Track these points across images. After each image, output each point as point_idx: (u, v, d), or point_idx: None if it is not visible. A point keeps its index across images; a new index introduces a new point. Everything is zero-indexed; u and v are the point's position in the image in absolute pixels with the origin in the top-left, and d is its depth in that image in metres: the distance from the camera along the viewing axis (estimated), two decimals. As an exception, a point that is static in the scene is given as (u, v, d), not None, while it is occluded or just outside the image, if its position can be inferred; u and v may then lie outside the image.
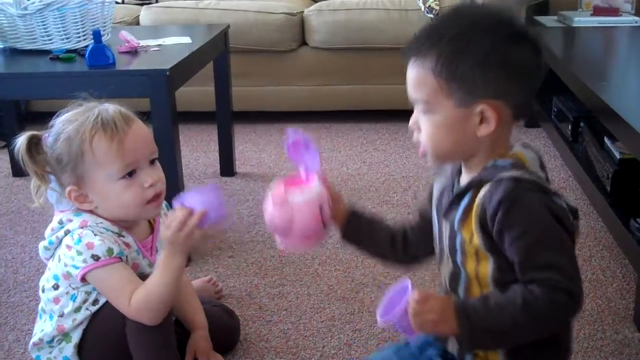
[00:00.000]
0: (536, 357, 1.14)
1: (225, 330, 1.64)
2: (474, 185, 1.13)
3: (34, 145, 1.43)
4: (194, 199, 1.35)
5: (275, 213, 1.25)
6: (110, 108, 1.41)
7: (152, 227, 1.53)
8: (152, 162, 1.43)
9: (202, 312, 1.59)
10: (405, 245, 1.31)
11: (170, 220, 1.36)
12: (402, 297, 1.10)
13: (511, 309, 1.05)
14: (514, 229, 1.06)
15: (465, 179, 1.18)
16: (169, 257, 1.38)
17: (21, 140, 1.43)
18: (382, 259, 1.37)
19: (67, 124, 1.40)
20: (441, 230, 1.22)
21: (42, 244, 1.45)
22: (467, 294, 1.17)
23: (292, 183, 1.28)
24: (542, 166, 1.17)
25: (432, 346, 1.29)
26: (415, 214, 1.32)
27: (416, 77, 1.11)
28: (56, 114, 1.44)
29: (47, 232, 1.45)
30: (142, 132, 1.42)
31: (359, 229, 1.31)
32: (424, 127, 1.12)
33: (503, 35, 1.09)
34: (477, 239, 1.11)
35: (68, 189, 1.41)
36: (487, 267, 1.12)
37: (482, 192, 1.10)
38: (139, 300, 1.37)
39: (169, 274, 1.38)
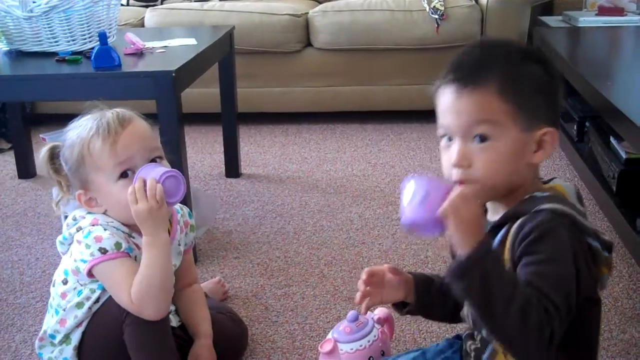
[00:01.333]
0: None
1: (231, 340, 1.62)
2: (510, 219, 1.10)
3: (56, 156, 1.47)
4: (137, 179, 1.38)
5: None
6: (109, 112, 1.42)
7: (168, 233, 1.52)
8: (154, 161, 1.43)
9: (209, 322, 1.58)
10: None
11: (137, 195, 1.35)
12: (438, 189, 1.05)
13: (514, 283, 1.01)
14: (535, 255, 1.03)
15: (497, 216, 1.14)
16: (152, 234, 1.38)
17: (43, 153, 1.48)
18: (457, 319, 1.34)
19: (72, 131, 1.43)
20: None
21: (58, 238, 1.47)
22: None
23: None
24: (580, 199, 1.14)
25: (443, 352, 1.30)
26: None
27: (479, 102, 1.07)
28: (70, 122, 1.46)
29: (64, 227, 1.47)
30: (137, 131, 1.42)
31: (424, 308, 1.33)
32: (481, 158, 1.08)
33: (544, 66, 1.11)
34: None
35: (77, 193, 1.44)
36: None
37: (518, 222, 1.07)
38: (137, 290, 1.35)
39: (158, 250, 1.38)
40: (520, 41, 1.17)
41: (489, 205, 1.18)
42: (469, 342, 1.25)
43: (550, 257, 1.02)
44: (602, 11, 3.46)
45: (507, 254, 1.09)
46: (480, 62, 1.10)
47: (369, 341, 1.40)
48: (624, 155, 2.07)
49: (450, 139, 1.11)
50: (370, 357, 1.40)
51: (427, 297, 1.30)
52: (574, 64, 2.53)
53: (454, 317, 1.32)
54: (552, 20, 3.53)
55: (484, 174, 1.08)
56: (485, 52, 1.12)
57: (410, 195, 1.06)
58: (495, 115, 1.07)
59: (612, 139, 2.19)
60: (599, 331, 1.18)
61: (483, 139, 1.07)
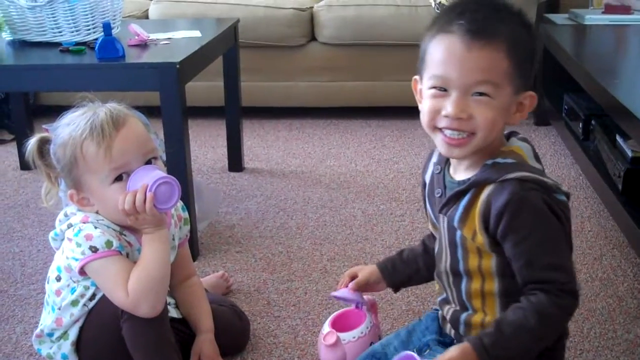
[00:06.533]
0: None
1: (233, 333, 1.62)
2: (476, 185, 1.14)
3: (46, 151, 1.43)
4: (131, 184, 1.36)
5: (329, 355, 1.39)
6: (101, 111, 1.38)
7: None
8: (149, 162, 1.40)
9: (210, 315, 1.56)
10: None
11: (128, 213, 1.34)
12: None
13: (528, 328, 1.07)
14: (519, 231, 1.08)
15: (462, 174, 1.18)
16: (152, 231, 1.38)
17: (32, 143, 1.44)
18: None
19: (64, 127, 1.39)
20: (438, 222, 1.23)
21: (50, 234, 1.46)
22: (469, 287, 1.20)
23: (343, 320, 1.45)
24: (537, 157, 1.18)
25: (429, 329, 1.32)
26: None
27: (485, 61, 1.07)
28: (60, 116, 1.43)
29: (56, 223, 1.45)
30: (132, 135, 1.38)
31: (403, 282, 1.45)
32: (482, 112, 1.09)
33: (531, 32, 1.13)
34: (480, 238, 1.13)
35: (69, 192, 1.41)
36: (491, 263, 1.15)
37: (486, 192, 1.11)
38: (134, 285, 1.34)
39: (158, 245, 1.37)
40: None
41: (451, 161, 1.21)
42: (446, 307, 1.28)
43: (531, 230, 1.08)
44: (609, 9, 3.44)
45: (476, 221, 1.12)
46: (492, 15, 1.09)
47: (367, 327, 1.40)
48: (630, 154, 2.05)
49: (443, 89, 1.11)
50: (371, 342, 1.40)
51: (396, 275, 1.43)
52: (580, 62, 2.52)
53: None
54: (558, 18, 3.51)
55: (484, 127, 1.09)
56: (494, 6, 1.11)
57: None
58: (499, 76, 1.08)
59: (618, 137, 2.17)
60: None
61: (487, 93, 1.08)
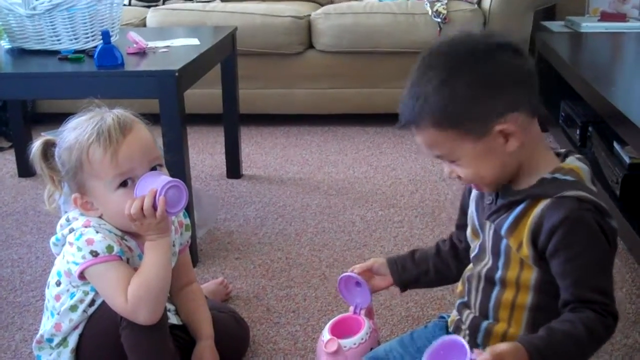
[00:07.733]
0: None
1: (233, 340, 1.62)
2: (532, 197, 1.14)
3: (51, 154, 1.44)
4: (139, 189, 1.36)
5: None
6: (109, 117, 1.38)
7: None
8: (154, 169, 1.40)
9: (210, 322, 1.56)
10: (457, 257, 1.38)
11: (135, 217, 1.34)
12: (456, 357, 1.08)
13: (577, 338, 1.07)
14: (572, 248, 1.09)
15: (517, 185, 1.18)
16: (156, 238, 1.38)
17: (36, 146, 1.44)
18: (445, 282, 1.44)
19: (70, 131, 1.40)
20: (483, 229, 1.23)
21: (52, 240, 1.46)
22: (500, 297, 1.20)
23: (341, 326, 1.45)
24: (593, 180, 1.17)
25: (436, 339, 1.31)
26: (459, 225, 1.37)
27: (426, 141, 1.14)
28: (67, 119, 1.43)
29: (57, 228, 1.45)
30: (139, 141, 1.39)
31: (410, 281, 1.43)
32: (461, 172, 1.15)
33: (473, 60, 1.10)
34: (526, 250, 1.13)
35: (73, 196, 1.41)
36: (531, 276, 1.16)
37: (541, 206, 1.12)
38: (134, 291, 1.34)
39: (160, 253, 1.37)
40: (455, 37, 1.14)
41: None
42: (465, 312, 1.27)
43: (584, 249, 1.09)
44: (605, 17, 3.46)
45: (525, 232, 1.13)
46: (411, 104, 1.13)
47: (367, 333, 1.41)
48: (627, 160, 2.06)
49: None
50: (371, 347, 1.40)
51: (404, 273, 1.42)
52: (576, 69, 2.53)
53: (446, 281, 1.43)
54: (555, 26, 3.53)
55: (473, 179, 1.16)
56: (413, 89, 1.14)
57: None
58: (442, 146, 1.13)
59: (615, 144, 2.18)
60: None
61: (452, 161, 1.15)
